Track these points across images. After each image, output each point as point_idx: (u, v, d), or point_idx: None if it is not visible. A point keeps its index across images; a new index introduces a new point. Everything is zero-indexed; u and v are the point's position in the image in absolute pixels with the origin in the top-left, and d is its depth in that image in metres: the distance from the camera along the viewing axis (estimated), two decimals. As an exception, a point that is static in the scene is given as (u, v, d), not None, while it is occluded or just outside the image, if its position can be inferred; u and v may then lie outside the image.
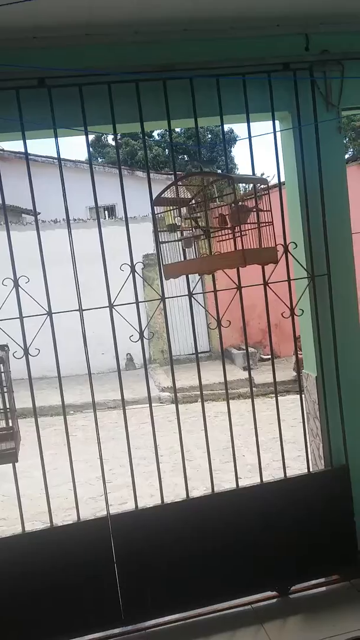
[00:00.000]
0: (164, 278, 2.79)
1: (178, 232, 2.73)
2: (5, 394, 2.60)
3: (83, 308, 2.83)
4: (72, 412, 9.08)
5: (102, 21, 2.63)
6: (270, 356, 3.25)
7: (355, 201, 3.21)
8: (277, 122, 3.03)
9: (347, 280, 3.12)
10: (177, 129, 20.61)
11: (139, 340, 2.87)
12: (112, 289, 2.83)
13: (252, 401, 3.17)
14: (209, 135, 22.98)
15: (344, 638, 2.66)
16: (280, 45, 2.91)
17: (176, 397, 3.11)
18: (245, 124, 2.95)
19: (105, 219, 14.12)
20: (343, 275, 3.10)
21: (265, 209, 2.52)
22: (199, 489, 4.70)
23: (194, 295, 2.97)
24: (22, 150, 2.77)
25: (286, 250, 2.97)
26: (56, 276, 3.79)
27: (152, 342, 12.38)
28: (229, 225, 2.56)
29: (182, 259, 2.81)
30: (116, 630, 2.88)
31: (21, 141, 2.74)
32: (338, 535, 3.11)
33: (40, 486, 2.88)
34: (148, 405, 3.01)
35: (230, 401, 3.15)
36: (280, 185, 2.98)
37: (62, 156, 2.88)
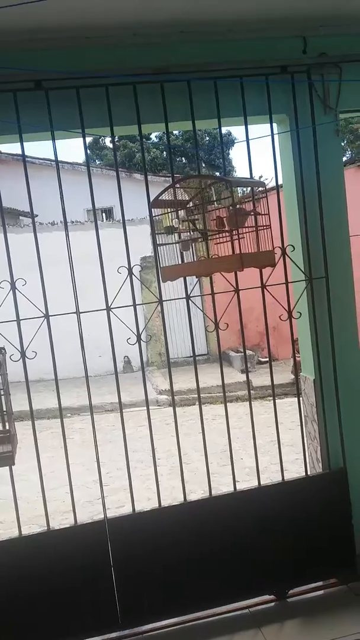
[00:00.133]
0: (161, 281, 2.79)
1: (176, 235, 2.72)
2: (2, 397, 2.59)
3: (80, 311, 2.82)
4: (69, 415, 9.07)
5: (100, 23, 2.63)
6: (268, 359, 3.25)
7: (353, 204, 3.21)
8: (274, 124, 3.03)
9: (344, 283, 3.12)
10: (175, 132, 20.63)
11: (137, 343, 2.87)
12: (109, 291, 2.83)
13: (250, 404, 3.17)
14: (207, 138, 23.01)
15: (341, 642, 2.66)
16: (278, 48, 2.91)
17: (174, 400, 3.10)
18: (243, 127, 2.96)
19: (102, 221, 14.12)
20: (341, 278, 3.10)
21: (263, 212, 2.52)
22: (197, 493, 4.69)
23: (191, 298, 2.96)
24: (20, 152, 2.76)
25: (284, 253, 2.97)
26: (53, 278, 3.77)
27: (150, 344, 12.37)
28: (226, 228, 2.56)
29: (180, 262, 2.80)
30: (113, 635, 2.87)
31: (18, 143, 2.74)
32: (336, 538, 3.10)
33: (37, 489, 2.87)
34: (145, 408, 3.00)
35: (228, 404, 3.15)
36: (278, 188, 2.98)
37: (59, 158, 2.88)
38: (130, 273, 2.82)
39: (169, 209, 2.67)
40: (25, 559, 2.74)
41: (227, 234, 2.56)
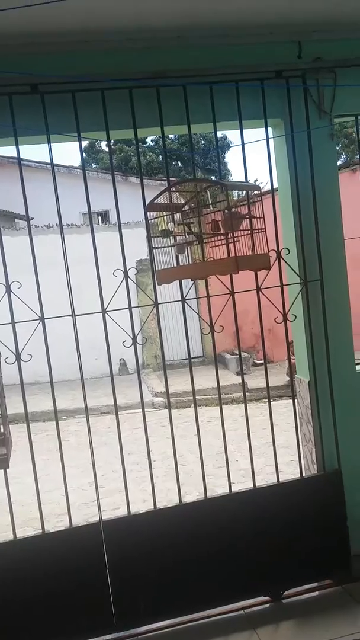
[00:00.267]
0: (157, 283, 2.80)
1: (171, 238, 2.73)
2: (-2, 400, 2.59)
3: (76, 313, 2.83)
4: (64, 417, 9.04)
5: (96, 28, 2.64)
6: (263, 361, 3.26)
7: (347, 207, 3.23)
8: (270, 129, 3.05)
9: (339, 286, 3.13)
10: (171, 135, 20.67)
11: (132, 346, 2.87)
12: (105, 294, 2.84)
13: (245, 406, 3.18)
14: (203, 142, 23.04)
15: (336, 643, 2.67)
16: (273, 52, 2.93)
17: (169, 402, 3.11)
18: (239, 131, 2.97)
19: (98, 224, 14.12)
20: (335, 281, 3.11)
21: (258, 216, 2.54)
22: (192, 494, 4.68)
23: (187, 301, 2.97)
24: (15, 155, 2.76)
25: (279, 256, 2.98)
26: (49, 281, 3.78)
27: (146, 347, 12.36)
28: (221, 231, 2.57)
29: (175, 265, 2.81)
30: (108, 637, 2.87)
31: (14, 146, 2.75)
32: (330, 539, 3.11)
33: (32, 492, 2.87)
34: (141, 410, 3.01)
35: (223, 406, 3.16)
36: (273, 191, 3.00)
37: (55, 161, 2.89)
38: (126, 276, 2.83)
39: (164, 213, 2.68)
40: (20, 562, 2.73)
41: (223, 237, 2.57)
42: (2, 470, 2.62)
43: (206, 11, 2.62)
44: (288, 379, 8.99)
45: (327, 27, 2.92)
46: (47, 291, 2.92)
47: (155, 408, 9.40)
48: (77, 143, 2.84)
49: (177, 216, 2.69)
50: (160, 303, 2.96)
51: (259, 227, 2.54)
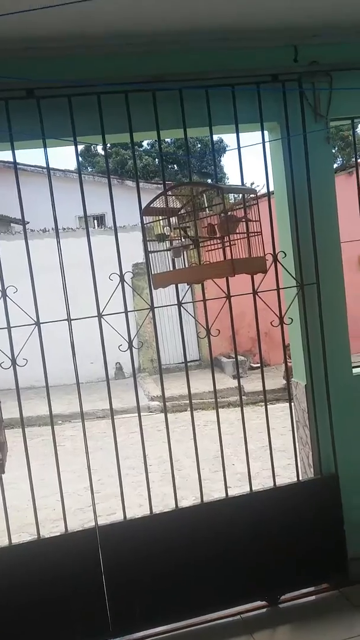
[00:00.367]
0: (153, 287, 2.79)
1: (167, 242, 2.73)
2: (-7, 404, 2.58)
3: (72, 317, 2.82)
4: (60, 422, 9.03)
5: (92, 32, 2.64)
6: (259, 364, 3.26)
7: (343, 210, 3.23)
8: (266, 132, 3.06)
9: (335, 289, 3.13)
10: (167, 139, 20.72)
11: (128, 350, 2.86)
12: (101, 298, 2.83)
13: (242, 410, 3.18)
14: (199, 145, 23.12)
15: (333, 648, 2.66)
16: (270, 56, 2.93)
17: (165, 406, 3.10)
18: (235, 134, 2.97)
19: (94, 228, 14.12)
20: (332, 284, 3.11)
21: (254, 219, 2.53)
22: (188, 499, 4.67)
23: (183, 305, 2.97)
24: (11, 159, 2.75)
25: (275, 260, 2.99)
26: (45, 285, 3.77)
27: (142, 351, 12.35)
28: (218, 235, 2.57)
29: (171, 269, 2.81)
30: (104, 643, 2.85)
31: (9, 151, 2.74)
32: (328, 543, 3.11)
33: (27, 497, 2.85)
34: (137, 414, 2.99)
35: (219, 410, 3.15)
36: (269, 195, 3.00)
37: (51, 165, 2.88)
38: (122, 280, 2.82)
39: (160, 216, 2.68)
40: (16, 568, 2.71)
41: (219, 241, 2.57)
42: (-2, 475, 2.60)
43: (203, 16, 2.63)
44: (285, 382, 9.00)
45: (323, 31, 2.93)
46: (43, 295, 2.91)
47: (151, 412, 9.39)
48: (72, 147, 2.83)
49: (173, 220, 2.69)
50: (156, 307, 2.95)
51: (255, 231, 2.54)
